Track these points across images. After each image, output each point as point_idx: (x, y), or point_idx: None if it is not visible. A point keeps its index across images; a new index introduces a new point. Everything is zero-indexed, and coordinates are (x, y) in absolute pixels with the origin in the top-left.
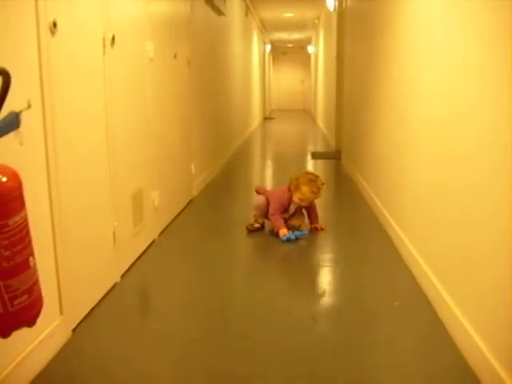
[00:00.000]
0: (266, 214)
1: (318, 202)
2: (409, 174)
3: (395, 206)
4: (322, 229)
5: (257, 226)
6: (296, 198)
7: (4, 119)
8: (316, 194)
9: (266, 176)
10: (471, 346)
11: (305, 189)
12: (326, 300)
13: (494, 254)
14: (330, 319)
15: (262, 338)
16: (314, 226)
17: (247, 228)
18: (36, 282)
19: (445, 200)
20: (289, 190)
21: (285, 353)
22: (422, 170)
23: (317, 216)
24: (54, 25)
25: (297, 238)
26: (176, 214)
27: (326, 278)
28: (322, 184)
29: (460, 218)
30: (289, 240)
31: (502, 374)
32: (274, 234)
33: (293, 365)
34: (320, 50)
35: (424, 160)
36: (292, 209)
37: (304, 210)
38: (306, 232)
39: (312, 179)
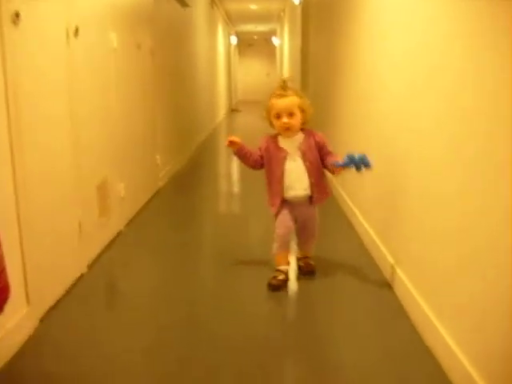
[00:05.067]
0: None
1: None
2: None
3: (359, 198)
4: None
5: (281, 277)
6: (276, 123)
7: None
8: (284, 95)
9: (232, 168)
10: (428, 326)
11: (272, 102)
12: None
13: (473, 265)
14: (294, 308)
15: (229, 326)
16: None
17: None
18: (3, 271)
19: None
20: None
21: (251, 339)
22: (382, 163)
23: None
24: (17, 15)
25: (358, 165)
26: (142, 204)
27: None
28: (284, 81)
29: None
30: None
31: (465, 362)
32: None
33: (260, 351)
34: (285, 42)
35: (384, 152)
36: (289, 149)
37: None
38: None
39: (274, 88)
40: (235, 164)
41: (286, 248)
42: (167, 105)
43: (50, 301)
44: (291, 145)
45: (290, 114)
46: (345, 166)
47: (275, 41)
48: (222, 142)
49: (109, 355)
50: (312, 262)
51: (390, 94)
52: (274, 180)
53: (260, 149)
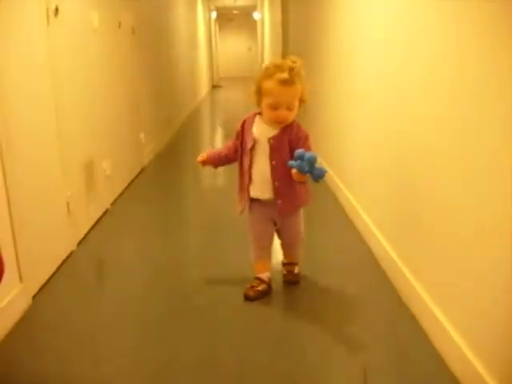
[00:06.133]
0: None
1: None
2: (354, 147)
3: (344, 173)
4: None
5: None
6: (268, 113)
7: None
8: (291, 82)
9: (216, 145)
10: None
11: (271, 85)
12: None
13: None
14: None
15: (215, 295)
16: (286, 265)
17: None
18: None
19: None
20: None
21: (237, 305)
22: (364, 146)
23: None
24: None
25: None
26: (128, 183)
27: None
28: (294, 62)
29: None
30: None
31: (448, 327)
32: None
33: (244, 316)
34: (266, 16)
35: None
36: (261, 137)
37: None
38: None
39: (277, 65)
40: (218, 141)
41: (264, 255)
42: (150, 83)
43: (42, 278)
44: (266, 133)
45: (289, 108)
46: (296, 166)
47: (256, 15)
48: (206, 119)
49: (100, 329)
50: (297, 271)
51: (371, 71)
52: (243, 170)
53: (237, 134)
